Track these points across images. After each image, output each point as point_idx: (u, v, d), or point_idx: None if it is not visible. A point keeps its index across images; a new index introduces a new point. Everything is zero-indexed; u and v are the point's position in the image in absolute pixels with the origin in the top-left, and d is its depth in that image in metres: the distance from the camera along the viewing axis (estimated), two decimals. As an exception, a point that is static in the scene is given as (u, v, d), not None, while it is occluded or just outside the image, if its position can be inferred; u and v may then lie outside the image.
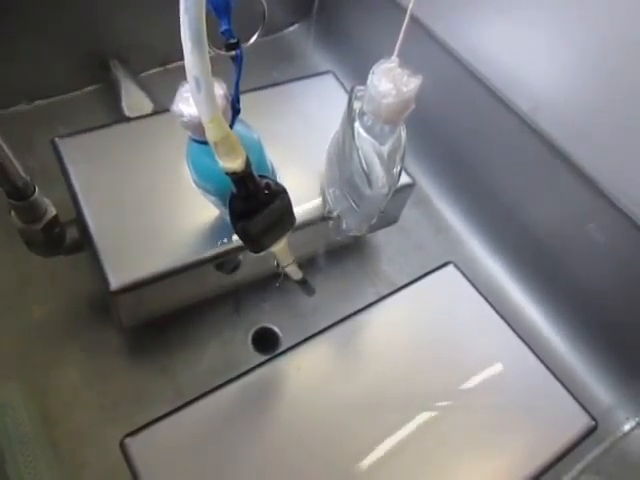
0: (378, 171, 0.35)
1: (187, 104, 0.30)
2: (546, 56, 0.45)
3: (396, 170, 0.36)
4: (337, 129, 0.40)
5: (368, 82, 0.32)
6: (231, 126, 0.31)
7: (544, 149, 0.47)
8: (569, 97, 0.44)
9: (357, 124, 0.34)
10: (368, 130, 0.34)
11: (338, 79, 0.52)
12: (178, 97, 0.31)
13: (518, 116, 0.48)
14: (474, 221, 0.57)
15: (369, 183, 0.35)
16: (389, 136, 0.34)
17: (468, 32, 0.51)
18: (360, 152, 0.35)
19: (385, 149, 0.34)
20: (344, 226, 0.43)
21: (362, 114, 0.34)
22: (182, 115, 0.30)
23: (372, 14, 0.61)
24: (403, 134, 0.35)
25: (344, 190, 0.39)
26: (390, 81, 0.31)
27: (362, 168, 0.35)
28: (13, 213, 0.36)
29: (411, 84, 0.31)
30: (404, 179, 0.46)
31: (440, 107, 0.56)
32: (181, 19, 0.20)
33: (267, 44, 0.69)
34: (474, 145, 0.55)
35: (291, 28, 0.72)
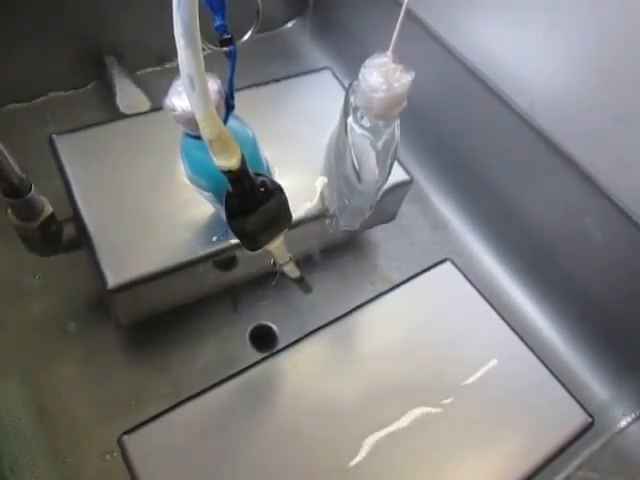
0: (368, 166, 0.35)
1: (180, 98, 0.30)
2: (543, 52, 0.45)
3: (387, 166, 0.35)
4: (335, 125, 0.39)
5: (360, 76, 0.32)
6: (225, 122, 0.31)
7: (542, 146, 0.47)
8: (566, 94, 0.44)
9: (350, 119, 0.34)
10: (361, 125, 0.34)
11: (335, 75, 0.52)
12: (172, 91, 0.31)
13: (516, 113, 0.48)
14: (471, 218, 0.57)
15: (359, 178, 0.35)
16: (382, 132, 0.34)
17: (465, 29, 0.50)
18: (352, 146, 0.35)
19: (377, 144, 0.34)
20: (339, 222, 0.43)
21: (356, 109, 0.34)
22: (174, 109, 0.30)
23: (369, 10, 0.61)
24: (397, 130, 0.34)
25: (338, 185, 0.39)
26: (381, 75, 0.31)
27: (353, 162, 0.35)
28: (9, 211, 0.36)
29: (403, 79, 0.31)
30: (401, 176, 0.46)
31: (438, 103, 0.56)
32: (174, 16, 0.20)
33: (264, 41, 0.69)
34: (472, 142, 0.55)
35: (288, 25, 0.72)
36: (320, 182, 0.44)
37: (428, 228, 0.57)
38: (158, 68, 0.64)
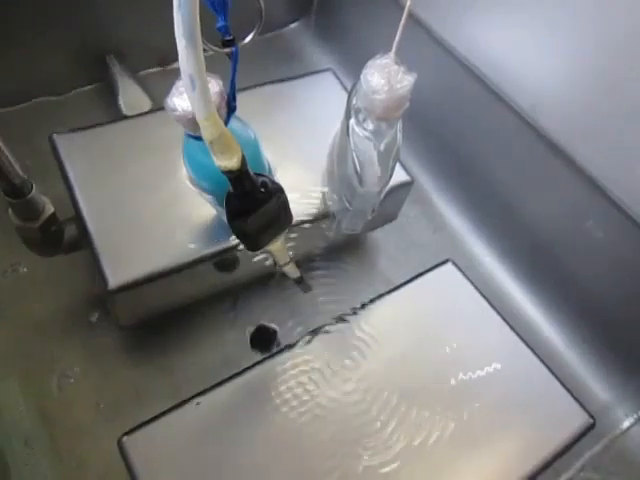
0: (370, 169, 0.35)
1: (181, 98, 0.30)
2: (544, 53, 0.45)
3: (389, 168, 0.35)
4: (338, 127, 0.39)
5: (361, 77, 0.32)
6: (226, 123, 0.31)
7: (543, 147, 0.47)
8: (567, 94, 0.44)
9: (352, 121, 0.34)
10: (363, 127, 0.34)
11: (337, 77, 0.52)
12: (174, 91, 0.31)
13: (517, 114, 0.48)
14: (473, 219, 0.57)
15: (360, 181, 0.35)
16: (384, 134, 0.34)
17: (467, 30, 0.50)
18: (353, 149, 0.35)
19: (379, 147, 0.34)
20: (340, 224, 0.43)
21: (358, 111, 0.34)
22: (175, 109, 0.30)
23: (372, 12, 0.61)
24: (399, 132, 0.34)
25: (339, 187, 0.39)
26: (383, 77, 0.31)
27: (354, 165, 0.35)
28: (10, 211, 0.36)
29: (405, 81, 0.31)
30: (403, 177, 0.46)
31: (440, 105, 0.56)
32: (174, 15, 0.20)
33: (267, 42, 0.69)
34: (473, 143, 0.55)
35: (291, 26, 0.72)
36: (322, 184, 0.44)
37: (429, 229, 0.57)
38: (160, 69, 0.64)
